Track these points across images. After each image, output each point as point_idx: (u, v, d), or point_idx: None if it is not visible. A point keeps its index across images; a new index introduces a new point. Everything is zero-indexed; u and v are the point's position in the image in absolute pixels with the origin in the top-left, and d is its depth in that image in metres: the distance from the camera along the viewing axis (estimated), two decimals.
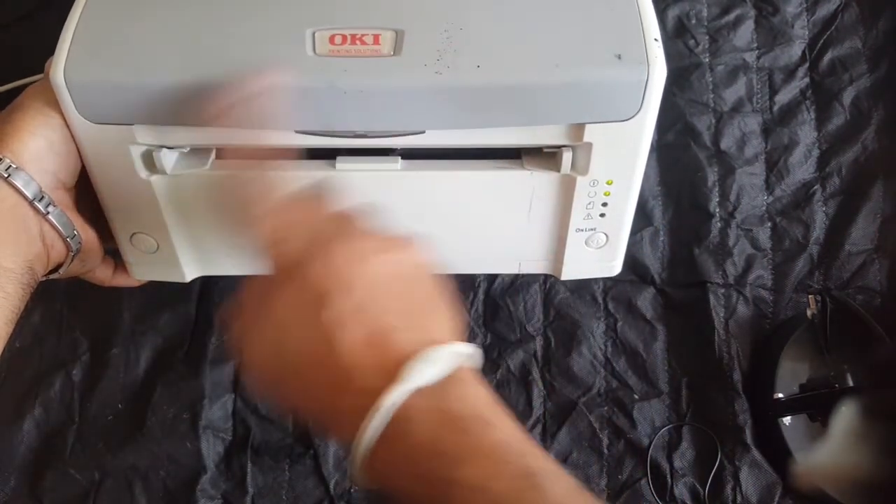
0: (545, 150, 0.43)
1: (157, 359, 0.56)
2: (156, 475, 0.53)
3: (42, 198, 0.40)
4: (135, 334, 0.57)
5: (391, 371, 0.30)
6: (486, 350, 0.57)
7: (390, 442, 0.30)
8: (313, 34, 0.38)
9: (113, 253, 0.48)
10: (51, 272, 0.43)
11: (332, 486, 0.53)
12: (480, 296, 0.58)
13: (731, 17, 0.65)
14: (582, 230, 0.46)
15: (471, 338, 0.57)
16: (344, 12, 0.39)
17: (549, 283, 0.59)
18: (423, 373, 0.30)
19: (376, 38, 0.38)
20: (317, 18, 0.39)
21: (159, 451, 0.54)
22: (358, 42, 0.38)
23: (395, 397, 0.29)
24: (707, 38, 0.65)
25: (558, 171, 0.43)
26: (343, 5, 0.39)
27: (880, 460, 0.51)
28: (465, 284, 0.58)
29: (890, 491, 0.51)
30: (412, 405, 0.30)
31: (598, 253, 0.47)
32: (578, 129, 0.40)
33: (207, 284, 0.58)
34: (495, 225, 0.46)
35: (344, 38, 0.38)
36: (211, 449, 0.54)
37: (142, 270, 0.49)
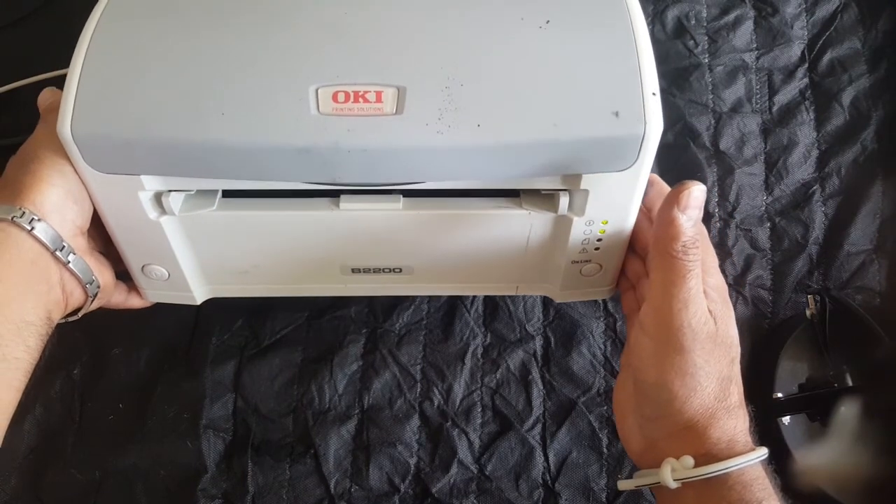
0: (543, 192, 0.44)
1: (158, 358, 0.57)
2: (156, 474, 0.53)
3: (63, 247, 0.40)
4: (135, 334, 0.57)
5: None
6: (486, 350, 0.57)
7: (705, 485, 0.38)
8: (316, 91, 0.38)
9: (123, 276, 0.49)
10: (68, 315, 0.44)
11: (332, 486, 0.53)
12: (480, 295, 0.58)
13: (731, 17, 0.65)
14: (577, 262, 0.47)
15: (471, 338, 0.57)
16: (347, 67, 0.39)
17: None
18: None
19: (378, 96, 0.38)
20: (319, 74, 0.39)
21: (160, 451, 0.54)
22: (361, 100, 0.38)
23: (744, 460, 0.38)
24: (706, 38, 0.65)
25: (555, 212, 0.44)
26: (345, 60, 0.39)
27: (880, 460, 0.52)
28: None
29: (890, 490, 0.51)
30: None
31: (593, 280, 0.49)
32: (575, 178, 0.41)
33: None
34: (493, 257, 0.48)
35: (347, 95, 0.38)
36: (211, 448, 0.54)
37: (154, 294, 0.50)
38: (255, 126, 0.38)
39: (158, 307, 0.57)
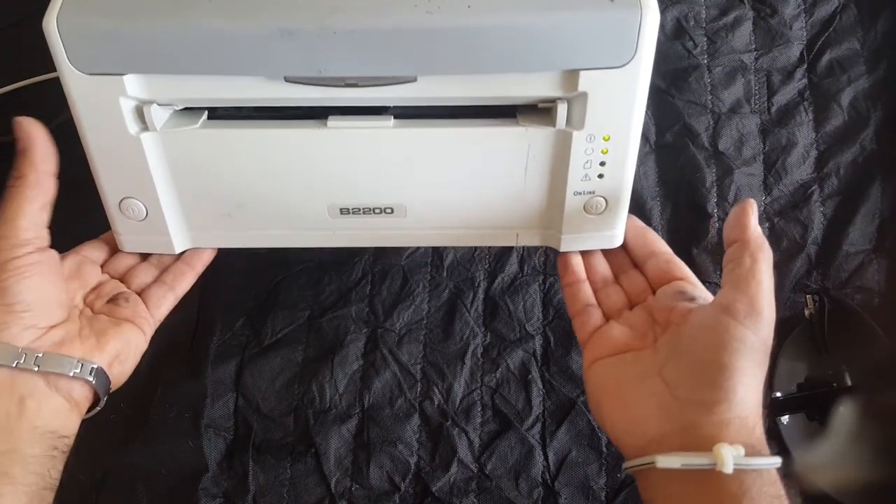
0: (540, 106, 0.43)
1: (159, 358, 0.56)
2: (158, 474, 0.54)
3: (25, 357, 0.37)
4: None
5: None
6: (486, 350, 0.57)
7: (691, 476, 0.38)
8: None
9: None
10: (92, 407, 0.42)
11: (332, 485, 0.54)
12: (480, 295, 0.59)
13: (730, 18, 0.65)
14: (580, 193, 0.45)
15: (471, 337, 0.58)
16: None
17: (548, 282, 0.59)
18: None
19: None
20: None
21: (161, 450, 0.54)
22: None
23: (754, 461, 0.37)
24: (705, 39, 0.65)
25: (554, 126, 0.43)
26: None
27: (878, 460, 0.52)
28: (466, 284, 0.59)
29: (889, 490, 0.51)
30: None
31: (598, 221, 0.47)
32: (572, 77, 0.40)
33: (209, 284, 0.58)
34: (491, 188, 0.46)
35: None
36: (212, 448, 0.54)
37: (131, 241, 0.48)
38: (241, 9, 0.38)
39: None
